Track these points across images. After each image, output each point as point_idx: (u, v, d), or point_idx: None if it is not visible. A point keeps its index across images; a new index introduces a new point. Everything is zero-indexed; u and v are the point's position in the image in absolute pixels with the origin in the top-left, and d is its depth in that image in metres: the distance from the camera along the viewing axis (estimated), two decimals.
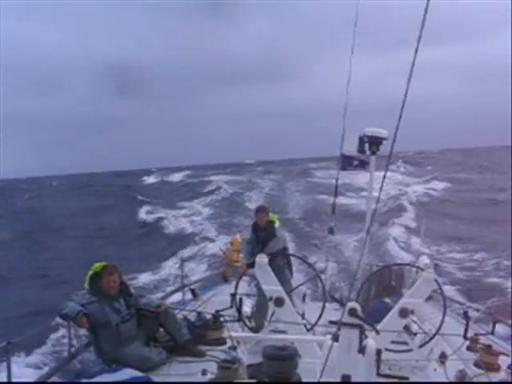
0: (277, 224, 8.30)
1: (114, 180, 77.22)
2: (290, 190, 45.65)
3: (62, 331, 10.09)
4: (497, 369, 5.10)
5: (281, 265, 7.97)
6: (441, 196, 37.68)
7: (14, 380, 4.19)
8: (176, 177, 72.32)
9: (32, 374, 9.49)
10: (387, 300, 7.64)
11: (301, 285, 8.45)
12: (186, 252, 22.77)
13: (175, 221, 32.82)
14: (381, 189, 3.68)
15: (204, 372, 4.84)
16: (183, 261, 10.52)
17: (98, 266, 5.68)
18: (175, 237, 28.30)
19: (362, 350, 4.62)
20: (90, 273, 5.64)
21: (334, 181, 10.37)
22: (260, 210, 8.36)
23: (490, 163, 60.71)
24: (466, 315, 6.55)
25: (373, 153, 9.04)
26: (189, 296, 8.65)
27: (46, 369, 6.05)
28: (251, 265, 7.29)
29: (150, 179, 74.39)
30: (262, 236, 8.11)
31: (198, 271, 18.52)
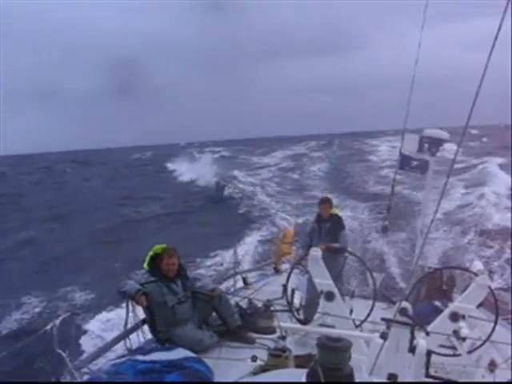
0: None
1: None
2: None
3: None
4: None
5: (341, 260, 8.04)
6: None
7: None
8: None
9: (91, 345, 9.94)
10: (437, 303, 7.61)
11: None
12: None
13: None
14: (442, 194, 3.69)
15: (254, 358, 4.93)
16: (236, 249, 10.64)
17: (158, 247, 5.88)
18: None
19: (412, 349, 4.66)
20: (150, 254, 5.84)
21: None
22: (324, 202, 8.44)
23: None
24: None
25: (432, 154, 8.93)
26: (240, 284, 8.79)
27: (103, 343, 6.28)
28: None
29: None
30: (326, 227, 8.18)
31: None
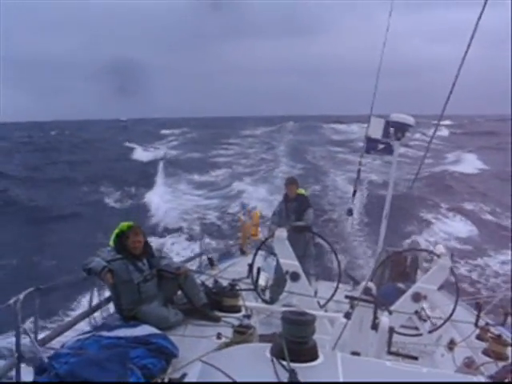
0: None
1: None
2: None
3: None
4: (505, 358, 5.17)
5: (308, 239, 8.13)
6: None
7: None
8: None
9: (56, 321, 9.86)
10: (400, 285, 7.75)
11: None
12: None
13: None
14: (417, 173, 3.75)
15: (219, 336, 4.98)
16: (203, 229, 10.66)
17: (124, 225, 5.85)
18: None
19: (375, 326, 4.74)
20: (116, 231, 5.81)
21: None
22: (291, 182, 8.58)
23: None
24: (477, 304, 6.64)
25: (398, 139, 9.03)
26: (206, 264, 8.80)
27: (68, 319, 6.25)
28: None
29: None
30: (292, 207, 8.31)
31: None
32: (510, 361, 4.99)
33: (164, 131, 71.38)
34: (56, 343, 4.90)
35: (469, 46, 2.76)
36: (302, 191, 8.51)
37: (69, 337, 4.95)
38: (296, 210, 8.22)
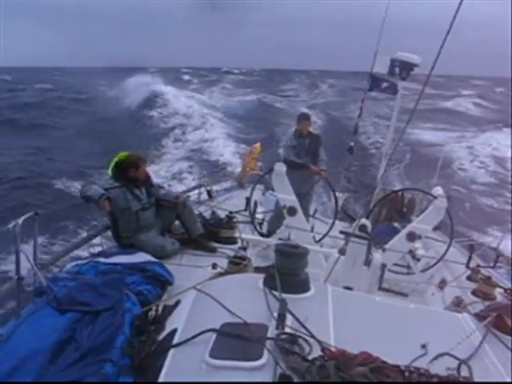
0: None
1: None
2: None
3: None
4: (493, 299, 5.27)
5: (316, 179, 8.08)
6: None
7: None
8: None
9: (54, 248, 10.03)
10: (396, 224, 7.83)
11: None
12: None
13: None
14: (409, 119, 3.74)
15: (214, 266, 5.04)
16: (202, 162, 10.66)
17: (123, 154, 5.83)
18: None
19: (367, 262, 4.82)
20: (116, 160, 5.79)
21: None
22: (305, 118, 8.24)
23: None
24: (470, 246, 6.74)
25: (403, 78, 8.90)
26: (204, 196, 8.85)
27: (67, 245, 6.33)
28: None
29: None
30: (306, 144, 8.00)
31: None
32: (497, 301, 5.10)
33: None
34: (55, 268, 4.99)
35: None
36: (312, 129, 8.31)
37: (67, 262, 5.03)
38: (310, 148, 7.96)
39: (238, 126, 32.32)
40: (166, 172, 20.19)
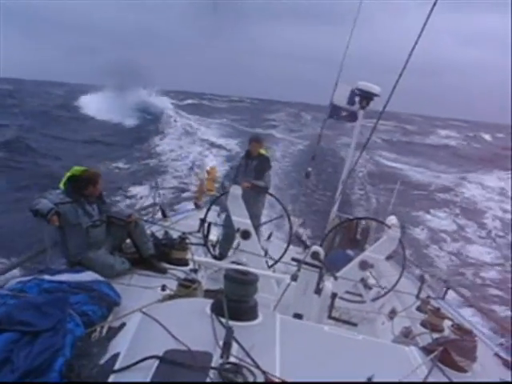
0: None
1: None
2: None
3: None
4: (441, 330, 5.32)
5: (260, 199, 8.08)
6: None
7: None
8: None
9: None
10: (349, 252, 7.86)
11: (271, 221, 8.67)
12: None
13: None
14: (365, 145, 3.75)
15: (163, 288, 4.96)
16: (157, 181, 10.57)
17: (78, 169, 5.69)
18: None
19: (318, 291, 4.80)
20: (68, 174, 5.65)
21: None
22: (255, 140, 8.37)
23: None
24: (421, 277, 6.81)
25: (362, 107, 9.04)
26: (158, 216, 8.75)
27: (12, 260, 6.13)
28: None
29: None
30: (252, 165, 8.12)
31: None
32: (444, 333, 5.13)
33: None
34: None
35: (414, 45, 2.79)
36: (264, 151, 8.38)
37: (11, 278, 4.86)
38: (255, 169, 8.04)
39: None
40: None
